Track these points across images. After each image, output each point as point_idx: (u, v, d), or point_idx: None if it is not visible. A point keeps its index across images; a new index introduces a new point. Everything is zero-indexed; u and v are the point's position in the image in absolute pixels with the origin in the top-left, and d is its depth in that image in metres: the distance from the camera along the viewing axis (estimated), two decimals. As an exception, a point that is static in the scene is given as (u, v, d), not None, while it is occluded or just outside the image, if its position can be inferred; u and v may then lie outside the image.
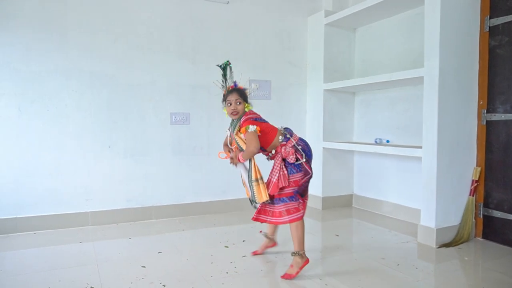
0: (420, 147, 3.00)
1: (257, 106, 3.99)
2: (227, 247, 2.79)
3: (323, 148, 4.03)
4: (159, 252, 2.65)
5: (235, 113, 2.33)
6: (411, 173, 3.53)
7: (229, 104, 2.32)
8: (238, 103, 2.32)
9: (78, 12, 3.23)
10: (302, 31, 4.22)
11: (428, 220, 2.90)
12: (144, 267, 2.38)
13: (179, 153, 3.65)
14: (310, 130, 4.24)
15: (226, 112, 2.39)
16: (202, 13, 3.70)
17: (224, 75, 2.39)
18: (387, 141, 3.72)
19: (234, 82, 2.40)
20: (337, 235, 3.10)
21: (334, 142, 3.97)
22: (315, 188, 4.15)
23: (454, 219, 2.97)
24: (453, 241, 2.90)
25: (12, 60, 3.04)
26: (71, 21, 3.22)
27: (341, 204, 4.16)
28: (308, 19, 4.21)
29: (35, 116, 3.13)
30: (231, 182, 3.89)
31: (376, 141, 3.80)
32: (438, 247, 2.81)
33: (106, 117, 3.35)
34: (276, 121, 4.09)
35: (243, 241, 2.92)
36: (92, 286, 2.09)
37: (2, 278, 2.21)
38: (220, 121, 3.80)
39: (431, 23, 2.86)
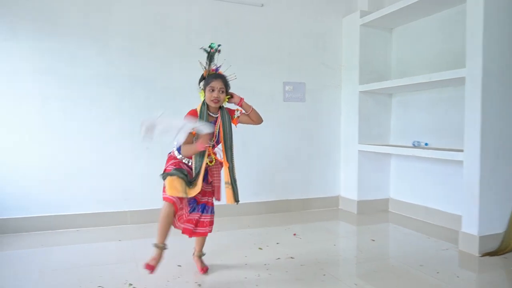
0: (461, 151, 2.88)
1: (292, 108, 4.01)
2: (261, 249, 2.80)
3: (359, 151, 3.96)
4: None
5: (216, 101, 2.17)
6: (451, 177, 3.39)
7: (211, 90, 2.16)
8: (221, 92, 2.19)
9: (120, 20, 3.36)
10: (336, 33, 4.17)
11: (470, 226, 2.78)
12: (180, 266, 2.43)
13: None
14: (344, 133, 4.18)
15: (202, 95, 2.24)
16: (237, 17, 3.75)
17: (210, 58, 2.25)
18: (426, 144, 3.61)
19: (217, 67, 2.28)
20: (373, 240, 3.04)
21: (370, 144, 3.89)
22: (349, 191, 4.09)
23: (498, 226, 2.82)
24: (498, 249, 2.76)
25: (59, 65, 3.21)
26: (113, 28, 3.36)
27: (377, 209, 4.07)
28: (343, 20, 4.16)
29: (79, 118, 3.28)
30: (266, 184, 3.91)
31: (414, 144, 3.69)
32: (481, 256, 2.69)
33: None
34: (311, 124, 4.10)
35: (277, 243, 2.92)
36: (131, 283, 2.16)
37: (48, 271, 2.33)
38: (254, 124, 3.82)
39: (473, 21, 2.74)
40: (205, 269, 2.34)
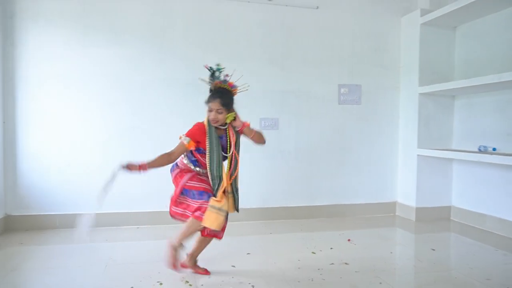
0: (536, 157, 2.65)
1: (347, 111, 3.93)
2: (314, 253, 2.77)
3: (418, 155, 3.78)
4: (247, 253, 2.73)
5: (214, 121, 2.19)
6: (523, 186, 3.13)
7: (210, 110, 2.19)
8: (219, 113, 2.18)
9: (180, 26, 3.50)
10: (395, 33, 4.03)
11: (545, 240, 2.55)
12: (233, 266, 2.48)
13: (268, 158, 3.73)
14: (403, 136, 4.02)
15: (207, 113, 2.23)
16: (292, 19, 3.75)
17: (213, 75, 2.25)
18: (494, 149, 3.36)
19: (224, 79, 2.25)
20: (433, 249, 2.89)
21: (430, 149, 3.70)
22: (407, 198, 3.92)
23: None
24: None
25: (124, 71, 3.41)
26: (174, 35, 3.50)
27: (437, 216, 3.86)
28: (401, 19, 4.01)
29: (138, 122, 3.46)
30: (320, 188, 3.87)
31: (480, 149, 3.46)
32: (558, 272, 2.45)
33: (200, 122, 3.57)
34: (366, 127, 4.00)
35: (331, 248, 2.88)
36: (187, 280, 2.24)
37: (112, 265, 2.48)
38: (308, 126, 3.80)
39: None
40: (207, 272, 2.35)
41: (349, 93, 3.91)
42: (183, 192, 2.25)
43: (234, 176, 2.27)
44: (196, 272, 2.35)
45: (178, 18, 3.51)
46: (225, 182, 2.21)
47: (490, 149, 3.38)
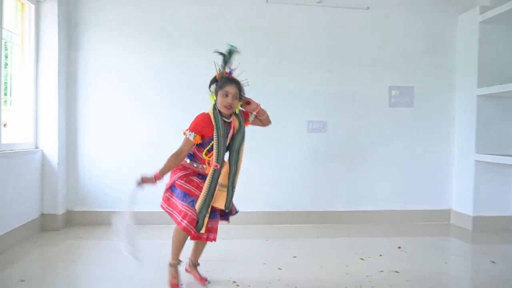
0: None
1: (398, 113, 3.81)
2: (362, 259, 2.70)
3: (476, 161, 3.57)
4: (294, 257, 2.72)
5: (229, 107, 2.06)
6: None
7: (225, 95, 2.06)
8: (235, 98, 2.08)
9: (229, 30, 3.57)
10: (450, 32, 3.84)
11: None
12: (280, 269, 2.48)
13: (315, 161, 3.69)
14: (459, 141, 3.81)
15: (212, 99, 2.14)
16: (341, 20, 3.70)
17: (226, 61, 2.18)
18: None
19: (230, 70, 2.18)
20: (493, 262, 2.70)
21: (490, 154, 3.48)
22: (463, 205, 3.71)
23: None
24: None
25: (175, 75, 3.54)
26: (222, 38, 3.55)
27: (497, 226, 3.61)
28: (458, 18, 3.81)
29: (186, 123, 3.54)
30: (369, 193, 3.77)
31: (546, 155, 3.20)
32: None
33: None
34: (419, 130, 3.84)
35: (380, 255, 2.79)
36: (235, 281, 2.27)
37: (164, 263, 2.56)
38: (357, 129, 3.72)
39: None
40: (204, 280, 2.25)
41: (401, 95, 3.78)
42: (172, 189, 2.18)
43: (230, 169, 2.15)
44: (194, 277, 2.29)
45: (229, 23, 3.58)
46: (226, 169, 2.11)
47: (559, 156, 3.12)
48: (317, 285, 2.24)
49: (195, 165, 2.17)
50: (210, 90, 2.17)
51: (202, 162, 2.15)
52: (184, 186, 2.11)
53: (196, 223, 2.04)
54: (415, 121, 3.83)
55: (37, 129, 3.27)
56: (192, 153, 2.19)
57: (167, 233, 3.27)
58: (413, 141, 3.83)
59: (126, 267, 2.48)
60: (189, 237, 2.13)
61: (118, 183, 3.50)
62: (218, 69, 2.18)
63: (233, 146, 2.15)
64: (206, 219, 2.06)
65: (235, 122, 2.17)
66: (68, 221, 3.45)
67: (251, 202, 3.62)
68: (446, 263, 2.73)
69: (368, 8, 3.71)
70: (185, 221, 2.03)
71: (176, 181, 2.14)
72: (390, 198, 3.82)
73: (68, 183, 3.47)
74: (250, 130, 3.58)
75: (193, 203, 2.06)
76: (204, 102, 3.55)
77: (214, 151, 2.06)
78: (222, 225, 3.51)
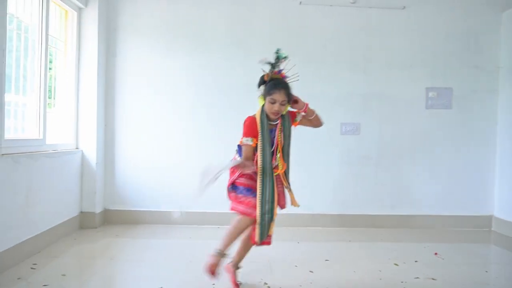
0: None
1: (436, 116, 3.69)
2: (396, 265, 2.63)
3: (520, 165, 3.40)
4: (326, 260, 2.69)
5: (276, 114, 2.07)
6: None
7: (272, 102, 2.05)
8: (283, 104, 2.06)
9: (260, 32, 3.60)
10: (493, 30, 3.67)
11: None
12: (311, 272, 2.45)
13: (348, 163, 3.64)
14: (502, 144, 3.63)
15: (261, 101, 2.14)
16: (376, 21, 3.63)
17: (274, 65, 2.16)
18: None
19: (279, 69, 2.16)
20: (538, 272, 2.56)
21: (535, 158, 3.30)
22: (506, 212, 3.52)
23: None
24: None
25: (209, 76, 3.59)
26: (254, 40, 3.60)
27: (543, 235, 3.42)
28: (502, 14, 3.64)
29: (224, 124, 3.61)
30: (403, 197, 3.67)
31: None
32: None
33: (280, 126, 3.61)
34: (457, 133, 3.69)
35: (415, 261, 2.70)
36: (266, 282, 2.27)
37: (195, 262, 2.60)
38: (391, 132, 3.64)
39: None
40: (237, 285, 2.21)
41: (438, 96, 3.65)
42: (234, 188, 2.21)
43: (282, 171, 2.16)
44: (230, 279, 2.24)
45: (260, 24, 3.60)
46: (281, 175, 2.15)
47: None
48: (349, 289, 2.21)
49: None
50: (259, 91, 2.19)
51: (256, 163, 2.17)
52: (245, 182, 2.16)
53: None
54: (454, 123, 3.69)
55: (78, 130, 3.42)
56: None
57: (199, 233, 3.34)
58: (452, 144, 3.69)
59: (160, 266, 2.54)
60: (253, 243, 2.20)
61: (154, 183, 3.60)
62: (270, 70, 2.18)
63: (284, 149, 2.18)
64: (272, 224, 2.11)
65: (281, 124, 2.16)
66: (106, 219, 3.58)
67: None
68: (486, 271, 2.61)
69: (404, 7, 3.62)
70: (250, 209, 2.06)
71: (236, 180, 2.19)
72: (427, 202, 3.70)
73: (105, 182, 3.60)
74: (282, 132, 3.60)
75: (254, 194, 2.10)
76: (239, 105, 3.61)
77: (259, 154, 2.09)
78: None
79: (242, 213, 2.10)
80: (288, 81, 2.18)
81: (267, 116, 2.11)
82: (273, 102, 2.06)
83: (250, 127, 2.12)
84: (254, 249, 2.90)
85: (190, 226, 3.55)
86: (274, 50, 2.21)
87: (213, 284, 2.24)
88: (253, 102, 3.58)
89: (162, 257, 2.73)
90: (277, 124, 2.15)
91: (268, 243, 2.20)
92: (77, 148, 3.40)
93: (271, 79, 2.12)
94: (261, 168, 2.08)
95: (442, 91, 3.66)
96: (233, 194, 2.22)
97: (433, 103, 3.66)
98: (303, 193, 3.61)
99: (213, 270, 2.10)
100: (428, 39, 3.66)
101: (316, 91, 3.61)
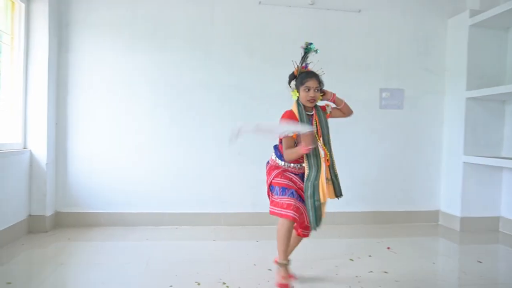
0: None
1: (389, 115, 3.84)
2: (352, 260, 2.72)
3: (464, 162, 3.62)
4: (284, 258, 2.72)
5: (312, 100, 2.15)
6: None
7: (307, 90, 2.14)
8: (317, 90, 2.15)
9: (221, 31, 3.58)
10: (440, 35, 3.88)
11: None
12: (270, 270, 2.48)
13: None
14: (448, 143, 3.86)
15: (294, 95, 2.21)
16: (333, 23, 3.72)
17: (305, 57, 2.25)
18: (549, 158, 3.16)
19: (306, 64, 2.26)
20: (480, 262, 2.74)
21: (478, 156, 3.53)
22: (452, 207, 3.75)
23: None
24: None
25: (167, 76, 3.52)
26: (215, 39, 3.58)
27: (484, 227, 3.67)
28: (448, 21, 3.86)
29: (183, 125, 3.56)
30: (359, 194, 3.79)
31: (533, 157, 3.26)
32: None
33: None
34: (409, 132, 3.87)
35: (369, 256, 2.81)
36: (224, 282, 2.27)
37: (153, 264, 2.56)
38: (348, 131, 3.74)
39: None
40: (292, 277, 2.28)
41: (391, 97, 3.81)
42: (271, 189, 2.25)
43: (326, 158, 2.17)
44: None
45: (220, 23, 3.58)
46: (323, 168, 2.13)
47: (545, 158, 3.18)
48: (306, 285, 2.25)
49: (285, 165, 2.23)
50: (290, 87, 2.26)
51: (291, 161, 2.19)
52: (280, 181, 2.19)
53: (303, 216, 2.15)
54: (405, 123, 3.86)
55: (26, 129, 3.23)
56: (281, 153, 2.23)
57: (157, 234, 3.27)
58: (403, 143, 3.87)
59: (116, 269, 2.47)
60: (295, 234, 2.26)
61: (109, 184, 3.49)
62: (296, 65, 2.25)
63: (324, 138, 2.21)
64: (323, 209, 2.14)
65: (316, 115, 2.22)
66: (57, 222, 3.42)
67: (241, 203, 3.63)
68: (434, 263, 2.76)
69: (360, 10, 3.74)
70: (290, 212, 2.06)
71: (273, 181, 2.23)
72: (380, 199, 3.85)
73: (57, 184, 3.43)
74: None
75: (292, 194, 2.13)
76: (199, 105, 3.57)
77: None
78: (214, 227, 3.52)
79: (279, 215, 2.11)
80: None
81: (304, 107, 2.19)
82: (307, 90, 2.14)
83: (290, 119, 2.17)
84: (213, 249, 2.91)
85: (147, 227, 3.47)
86: (305, 43, 2.29)
87: (171, 286, 2.20)
88: (214, 102, 3.60)
89: (118, 260, 2.65)
90: (312, 115, 2.21)
91: (306, 235, 2.28)
92: (25, 148, 3.22)
93: (300, 73, 2.22)
94: (307, 159, 2.11)
95: (395, 92, 3.82)
96: (271, 198, 2.23)
97: (386, 103, 3.81)
98: (263, 192, 3.65)
99: (284, 284, 2.11)
100: (382, 42, 3.81)
101: (276, 91, 3.65)
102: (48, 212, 3.29)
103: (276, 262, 2.22)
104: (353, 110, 2.37)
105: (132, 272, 2.42)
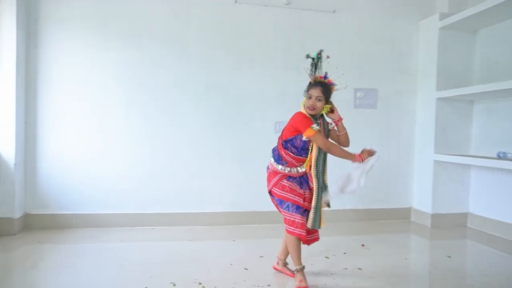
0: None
1: (363, 115, 3.90)
2: (327, 258, 2.75)
3: (434, 160, 3.73)
4: (260, 256, 2.74)
5: (311, 108, 2.18)
6: (544, 194, 3.06)
7: (309, 97, 2.20)
8: (318, 100, 2.18)
9: (198, 29, 3.54)
10: (412, 37, 3.98)
11: None
12: (246, 269, 2.48)
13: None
14: (419, 141, 3.97)
15: (303, 103, 2.25)
16: (309, 23, 3.75)
17: (315, 65, 2.27)
18: (513, 156, 3.29)
19: (325, 74, 2.28)
20: (449, 257, 2.84)
21: (447, 154, 3.65)
22: (423, 204, 3.87)
23: None
24: None
25: (142, 73, 3.46)
26: (191, 37, 3.54)
27: (453, 223, 3.79)
28: (419, 23, 3.97)
29: (158, 124, 3.50)
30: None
31: (499, 155, 3.39)
32: None
33: (217, 124, 3.60)
34: (382, 131, 3.95)
35: (344, 253, 2.86)
36: (200, 282, 2.25)
37: (127, 265, 2.51)
38: (322, 130, 3.78)
39: None
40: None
41: (365, 97, 3.89)
42: (279, 202, 2.26)
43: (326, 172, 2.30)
44: (286, 274, 2.41)
45: (196, 21, 3.55)
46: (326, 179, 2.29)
47: (510, 156, 3.31)
48: (283, 283, 2.27)
49: (283, 169, 2.26)
50: (304, 95, 2.29)
51: (291, 165, 2.24)
52: (278, 193, 2.25)
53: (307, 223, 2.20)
54: (379, 122, 3.95)
55: (-8, 128, 3.11)
56: (280, 157, 2.26)
57: (132, 235, 3.21)
58: (376, 142, 3.92)
59: (89, 272, 2.41)
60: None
61: (81, 185, 3.40)
62: (310, 74, 2.29)
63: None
64: (321, 213, 2.24)
65: (323, 125, 2.28)
66: (26, 225, 3.30)
67: (218, 203, 3.62)
68: (406, 259, 2.83)
69: (334, 11, 3.78)
70: (297, 230, 2.17)
71: (273, 189, 2.28)
72: (354, 197, 3.90)
73: (26, 185, 3.32)
74: (219, 135, 3.58)
75: (288, 208, 2.20)
76: (175, 103, 3.53)
77: (314, 153, 2.20)
78: (191, 227, 3.49)
79: (292, 234, 2.18)
80: (335, 89, 2.28)
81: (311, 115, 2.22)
82: (309, 98, 2.19)
83: (306, 118, 2.18)
84: (190, 249, 2.88)
85: (121, 228, 3.40)
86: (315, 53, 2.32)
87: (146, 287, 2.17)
88: (190, 101, 3.56)
89: (91, 262, 2.58)
90: (319, 123, 2.25)
91: (317, 239, 2.37)
92: (-9, 148, 3.09)
93: (312, 82, 2.25)
94: (315, 167, 2.20)
95: (369, 92, 3.90)
96: (282, 210, 2.26)
97: (360, 102, 3.88)
98: (240, 191, 3.66)
99: (303, 286, 2.18)
100: (356, 42, 3.87)
101: (252, 90, 3.66)
102: (17, 214, 3.17)
103: (284, 268, 2.43)
104: (349, 143, 2.41)
105: (105, 275, 2.37)
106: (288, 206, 2.20)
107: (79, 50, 3.36)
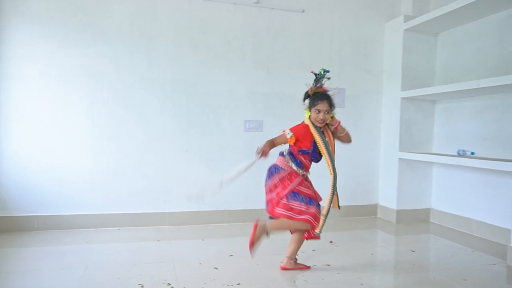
0: (512, 161, 2.74)
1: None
2: (296, 255, 2.77)
3: (399, 158, 3.85)
4: (230, 255, 2.73)
5: (321, 122, 2.35)
6: (500, 189, 3.23)
7: (317, 111, 2.32)
8: (327, 113, 2.33)
9: (164, 25, 3.48)
10: (379, 38, 4.09)
11: (520, 242, 2.63)
12: (216, 268, 2.47)
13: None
14: (385, 140, 4.08)
15: (307, 113, 2.39)
16: (278, 22, 3.77)
17: (317, 80, 2.39)
18: (472, 153, 3.45)
19: (322, 84, 2.41)
20: (413, 251, 2.94)
21: (411, 152, 3.78)
22: (388, 200, 3.98)
23: (552, 243, 2.65)
24: (550, 267, 2.60)
25: (105, 70, 3.36)
26: (157, 33, 3.48)
27: (417, 219, 3.93)
28: (385, 25, 4.08)
29: (123, 122, 3.42)
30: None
31: (459, 153, 3.54)
32: (532, 273, 2.53)
33: (184, 123, 3.55)
34: (350, 130, 3.99)
35: (313, 250, 2.90)
36: (169, 283, 2.22)
37: (92, 268, 2.44)
38: (292, 129, 3.82)
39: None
40: (308, 267, 2.51)
41: (334, 96, 3.93)
42: (291, 195, 2.34)
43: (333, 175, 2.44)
44: (299, 269, 2.47)
45: (162, 18, 3.48)
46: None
47: (469, 153, 3.47)
48: (252, 282, 2.27)
49: (302, 172, 2.45)
50: (304, 104, 2.41)
51: (307, 169, 2.47)
52: (307, 191, 2.40)
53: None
54: (346, 121, 3.93)
55: None
56: (300, 161, 2.41)
57: (97, 237, 3.12)
58: (344, 140, 4.02)
59: (52, 275, 2.32)
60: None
61: (44, 185, 3.26)
62: (313, 85, 2.39)
63: (330, 153, 2.40)
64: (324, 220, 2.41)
65: (327, 131, 2.44)
66: (-17, 227, 3.14)
67: (186, 202, 3.57)
68: (372, 254, 2.91)
69: (303, 11, 3.82)
70: (311, 218, 2.33)
71: (297, 187, 2.37)
72: (322, 195, 3.96)
73: (-17, 186, 3.15)
74: (187, 133, 3.54)
75: (303, 200, 2.35)
76: (143, 101, 3.45)
77: (328, 158, 2.35)
78: (158, 227, 3.43)
79: (306, 221, 2.31)
80: (330, 94, 2.39)
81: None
82: (318, 112, 2.32)
83: (300, 129, 2.37)
84: (158, 249, 2.83)
85: (86, 230, 3.30)
86: (320, 69, 2.41)
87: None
88: (156, 98, 3.49)
89: (54, 265, 2.49)
90: (323, 131, 2.41)
91: (318, 237, 2.46)
92: None
93: (315, 93, 2.37)
94: (333, 170, 2.39)
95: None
96: (285, 201, 2.33)
97: (328, 102, 3.94)
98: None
99: (253, 241, 2.31)
100: (324, 42, 3.93)
101: (220, 88, 3.64)
102: (-27, 217, 3.01)
103: (296, 265, 2.50)
104: (352, 140, 2.60)
105: (69, 278, 2.28)
106: (302, 198, 2.34)
107: (40, 46, 3.22)
